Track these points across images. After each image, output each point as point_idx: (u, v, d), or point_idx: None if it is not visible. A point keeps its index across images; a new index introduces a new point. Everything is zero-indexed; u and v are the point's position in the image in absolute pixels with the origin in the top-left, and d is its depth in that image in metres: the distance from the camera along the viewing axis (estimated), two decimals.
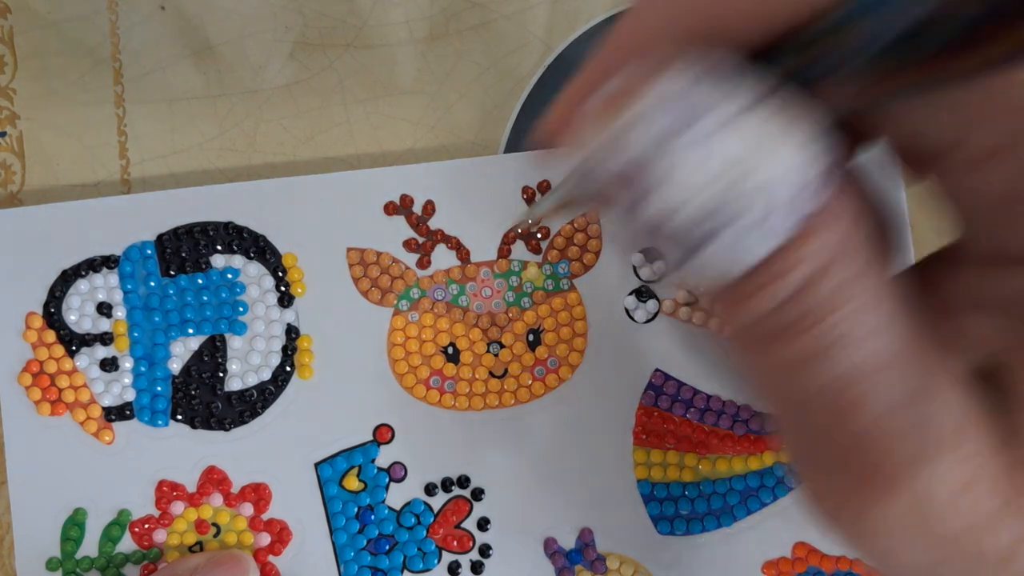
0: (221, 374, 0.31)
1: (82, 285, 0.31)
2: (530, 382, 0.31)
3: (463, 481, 0.30)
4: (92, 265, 0.31)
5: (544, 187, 0.31)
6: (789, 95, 0.16)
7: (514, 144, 0.32)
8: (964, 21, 0.13)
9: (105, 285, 0.31)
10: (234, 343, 0.31)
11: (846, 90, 0.15)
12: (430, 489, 0.30)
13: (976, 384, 0.17)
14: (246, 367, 0.31)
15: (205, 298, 0.31)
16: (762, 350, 0.17)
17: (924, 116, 0.16)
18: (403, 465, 0.31)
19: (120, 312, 0.31)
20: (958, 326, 0.17)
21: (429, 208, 0.31)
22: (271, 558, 0.30)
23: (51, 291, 0.31)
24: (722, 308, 0.17)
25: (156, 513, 0.30)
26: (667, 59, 0.16)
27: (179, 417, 0.30)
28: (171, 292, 0.31)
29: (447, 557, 0.30)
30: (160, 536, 0.30)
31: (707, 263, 0.16)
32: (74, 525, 0.30)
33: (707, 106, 0.15)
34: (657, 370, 0.30)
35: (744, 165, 0.15)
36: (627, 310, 0.31)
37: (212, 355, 0.31)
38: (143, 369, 0.31)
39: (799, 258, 0.16)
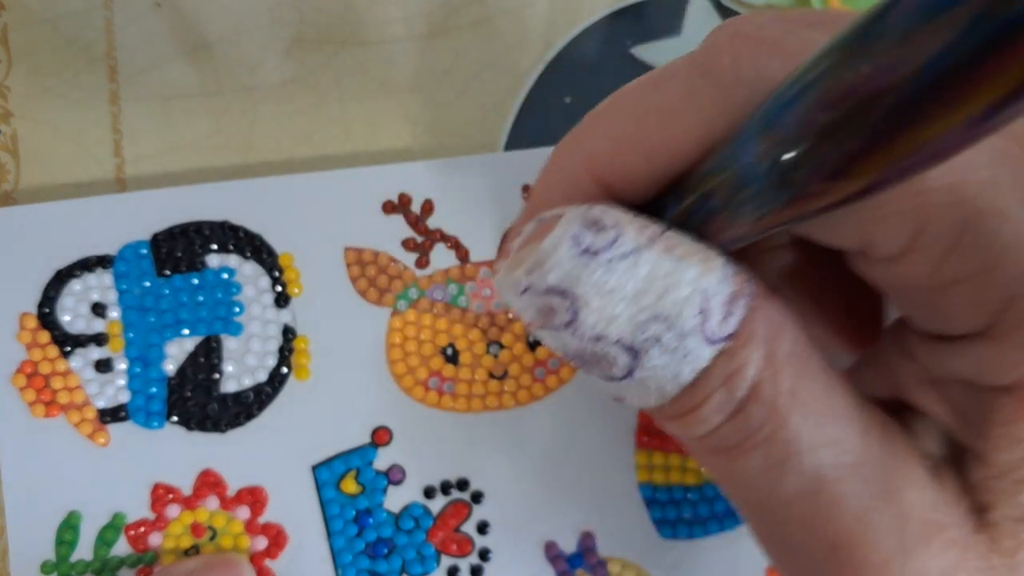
0: (217, 375, 0.30)
1: (76, 285, 0.30)
2: (530, 383, 0.30)
3: (462, 484, 0.30)
4: (86, 265, 0.30)
5: None
6: (689, 231, 0.18)
7: (514, 142, 0.31)
8: (821, 160, 0.14)
9: (99, 285, 0.30)
10: (230, 344, 0.30)
11: (740, 224, 0.16)
12: (429, 492, 0.30)
13: (943, 467, 0.18)
14: (242, 368, 0.30)
15: (200, 298, 0.30)
16: (721, 462, 0.17)
17: (828, 230, 0.17)
18: (401, 468, 0.30)
19: (115, 312, 0.30)
20: (916, 406, 0.18)
21: (428, 207, 0.31)
22: (267, 562, 0.30)
23: (45, 291, 0.30)
24: (669, 424, 0.18)
25: (151, 516, 0.30)
26: (579, 202, 0.18)
27: (174, 419, 0.30)
28: (166, 292, 0.30)
29: (446, 561, 0.30)
30: (155, 539, 0.30)
31: (645, 379, 0.17)
32: (69, 528, 0.30)
33: (614, 239, 0.17)
34: None
35: (658, 286, 0.16)
36: None
37: (207, 356, 0.30)
38: (138, 370, 0.30)
39: (732, 371, 0.17)
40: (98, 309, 0.30)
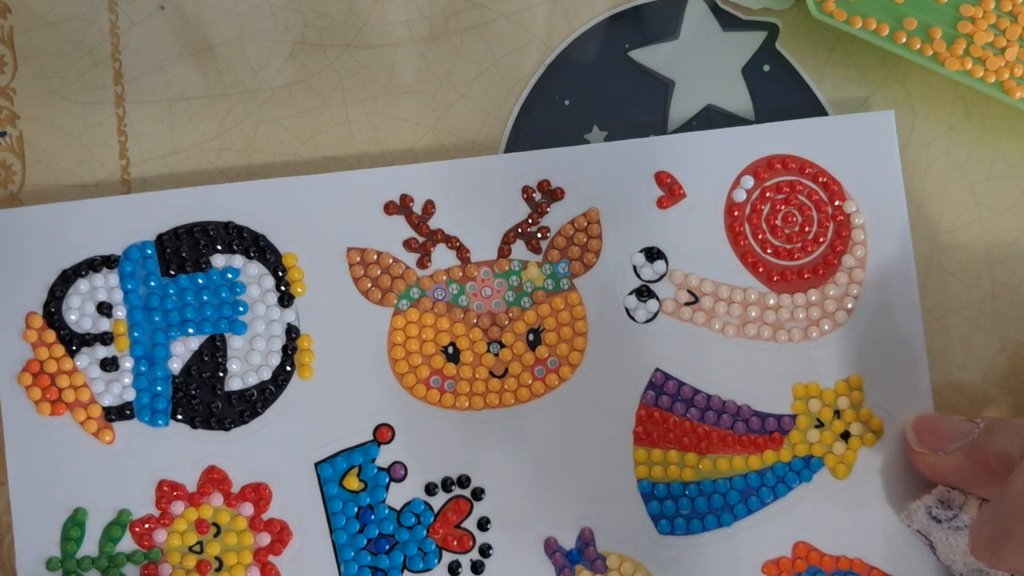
0: (221, 374, 0.31)
1: (82, 285, 0.31)
2: (530, 382, 0.31)
3: (463, 481, 0.30)
4: (92, 265, 0.31)
5: (543, 186, 0.31)
6: None
7: (514, 144, 0.32)
8: None
9: (105, 285, 0.31)
10: (234, 343, 0.31)
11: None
12: (430, 489, 0.30)
13: None
14: (246, 367, 0.31)
15: (205, 298, 0.31)
16: None
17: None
18: (403, 465, 0.31)
19: (120, 312, 0.31)
20: None
21: (429, 208, 0.31)
22: (271, 558, 0.30)
23: (51, 291, 0.31)
24: None
25: (156, 513, 0.30)
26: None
27: (179, 417, 0.31)
28: (171, 292, 0.31)
29: (447, 557, 0.30)
30: (160, 536, 0.30)
31: None
32: (74, 525, 0.30)
33: (954, 515, 0.28)
34: (657, 370, 0.30)
35: None
36: (627, 310, 0.31)
37: (212, 355, 0.31)
38: (143, 369, 0.31)
39: None
40: (104, 308, 0.31)
